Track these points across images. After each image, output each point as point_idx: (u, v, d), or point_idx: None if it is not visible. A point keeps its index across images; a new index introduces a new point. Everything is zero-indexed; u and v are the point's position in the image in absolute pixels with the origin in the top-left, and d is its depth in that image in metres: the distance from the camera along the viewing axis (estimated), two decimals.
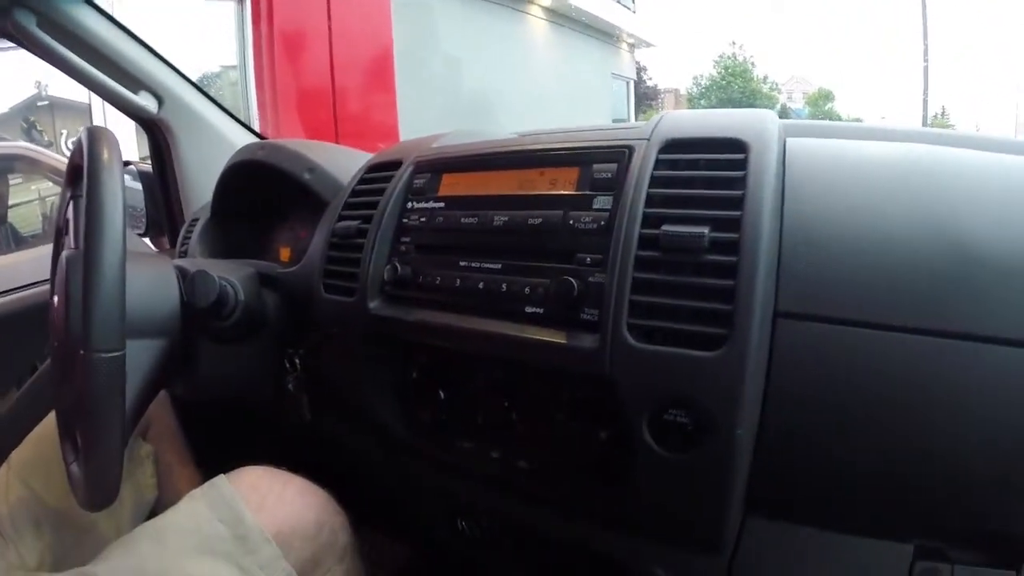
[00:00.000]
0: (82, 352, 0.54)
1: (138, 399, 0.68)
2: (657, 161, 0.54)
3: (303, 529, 0.70)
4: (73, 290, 0.62)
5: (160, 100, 1.24)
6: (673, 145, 0.54)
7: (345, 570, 0.76)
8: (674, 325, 0.47)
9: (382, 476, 0.83)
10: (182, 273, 0.78)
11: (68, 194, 0.77)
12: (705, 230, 0.48)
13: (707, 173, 0.51)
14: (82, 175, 0.76)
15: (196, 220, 1.20)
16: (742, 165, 0.50)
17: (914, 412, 0.44)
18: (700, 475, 0.47)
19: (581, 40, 13.77)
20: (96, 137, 0.61)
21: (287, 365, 0.88)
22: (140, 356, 0.68)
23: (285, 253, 1.11)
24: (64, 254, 0.70)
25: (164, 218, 1.38)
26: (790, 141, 0.56)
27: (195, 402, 0.98)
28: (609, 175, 0.56)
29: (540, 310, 0.55)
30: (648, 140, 0.56)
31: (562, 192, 0.58)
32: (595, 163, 0.57)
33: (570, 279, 0.52)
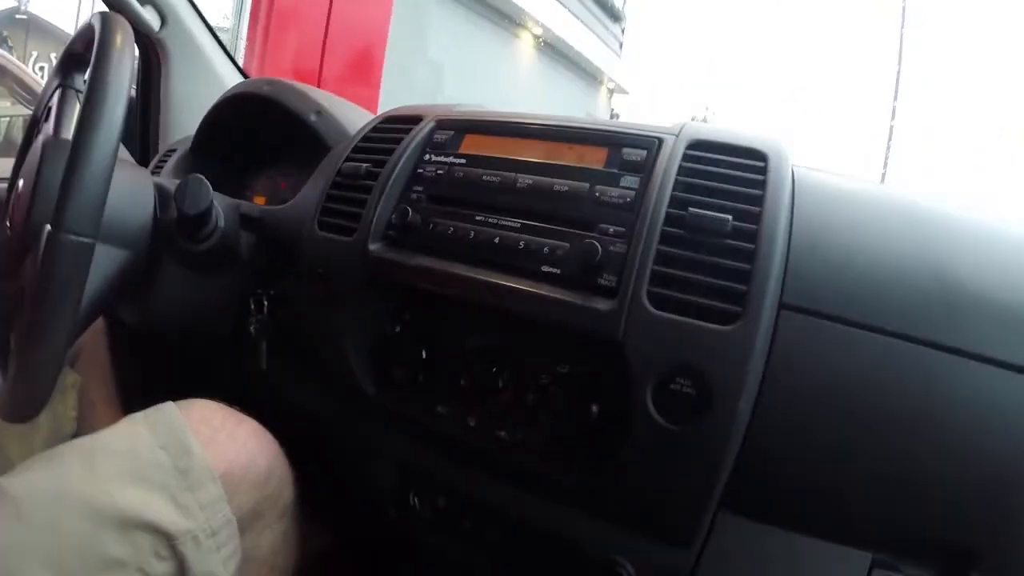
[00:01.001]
0: (50, 230, 0.51)
1: (88, 307, 0.63)
2: (684, 155, 0.56)
3: (252, 474, 0.64)
4: (48, 172, 0.59)
5: (164, 19, 1.19)
6: (700, 144, 0.58)
7: (284, 531, 0.70)
8: (691, 298, 0.50)
9: (331, 439, 0.79)
10: (160, 190, 0.74)
11: (56, 83, 0.73)
12: (728, 217, 0.51)
13: (731, 172, 0.55)
14: (80, 63, 0.72)
15: (172, 151, 1.15)
16: (762, 171, 0.54)
17: (888, 413, 0.47)
18: (694, 448, 0.49)
19: (564, 75, 14.00)
20: (110, 22, 0.58)
21: (252, 307, 0.85)
22: (101, 262, 0.64)
23: (260, 201, 1.08)
24: (40, 139, 0.66)
25: (137, 144, 1.32)
26: (796, 168, 0.60)
27: (141, 333, 0.93)
28: (638, 159, 0.58)
29: (557, 270, 0.55)
30: (677, 137, 0.58)
31: (590, 166, 0.59)
32: (625, 147, 0.59)
33: (594, 242, 0.53)
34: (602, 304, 0.52)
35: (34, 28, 5.44)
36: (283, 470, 0.69)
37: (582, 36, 13.09)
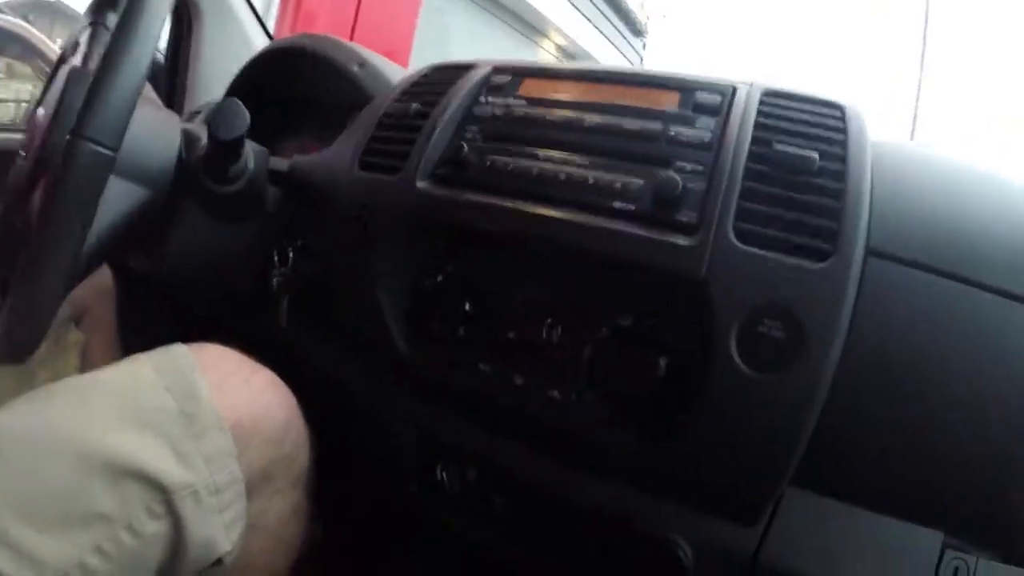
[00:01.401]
0: (70, 137, 0.48)
1: (98, 244, 0.59)
2: (760, 101, 0.54)
3: (266, 429, 0.56)
4: (71, 97, 0.55)
5: None
6: (775, 93, 0.55)
7: (295, 502, 0.62)
8: (779, 233, 0.47)
9: (352, 402, 0.73)
10: (187, 133, 0.71)
11: (87, 21, 0.71)
12: (815, 155, 0.49)
13: (810, 117, 0.52)
14: (114, 3, 0.70)
15: (196, 114, 1.12)
16: (841, 119, 0.52)
17: (976, 371, 0.44)
18: (779, 400, 0.44)
19: None
20: None
21: (276, 260, 0.80)
22: (117, 197, 0.60)
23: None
24: (65, 69, 0.62)
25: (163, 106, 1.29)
26: None
27: (150, 284, 0.88)
28: (713, 102, 0.55)
29: (631, 206, 0.51)
30: (750, 86, 0.56)
31: (662, 108, 0.56)
32: (698, 91, 0.56)
33: (674, 175, 0.50)
34: (683, 240, 0.49)
35: (60, 14, 5.43)
36: (300, 430, 0.61)
37: (604, 49, 13.11)
